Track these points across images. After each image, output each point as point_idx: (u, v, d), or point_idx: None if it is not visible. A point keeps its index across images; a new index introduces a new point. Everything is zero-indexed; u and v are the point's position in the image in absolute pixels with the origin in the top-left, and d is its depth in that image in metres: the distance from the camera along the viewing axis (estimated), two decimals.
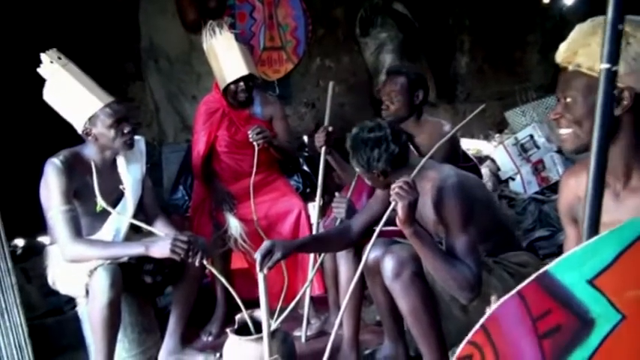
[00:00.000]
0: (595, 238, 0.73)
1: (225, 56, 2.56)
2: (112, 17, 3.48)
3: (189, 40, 3.70)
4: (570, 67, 1.11)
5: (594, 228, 0.84)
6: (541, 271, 0.74)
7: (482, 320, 0.77)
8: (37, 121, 2.77)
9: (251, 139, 2.45)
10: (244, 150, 2.61)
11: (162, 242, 1.92)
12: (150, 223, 2.21)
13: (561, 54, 1.13)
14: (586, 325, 0.72)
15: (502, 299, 0.76)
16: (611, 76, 0.80)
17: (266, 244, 1.79)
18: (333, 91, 2.47)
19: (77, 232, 1.95)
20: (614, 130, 1.06)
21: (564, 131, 1.15)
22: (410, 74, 2.26)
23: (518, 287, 0.75)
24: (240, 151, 2.66)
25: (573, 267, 0.73)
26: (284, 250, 1.79)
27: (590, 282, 0.72)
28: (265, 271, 1.75)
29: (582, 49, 1.08)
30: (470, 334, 0.78)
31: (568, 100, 1.12)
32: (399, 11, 4.01)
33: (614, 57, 0.79)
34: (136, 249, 1.95)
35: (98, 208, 2.06)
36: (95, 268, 1.91)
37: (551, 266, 0.74)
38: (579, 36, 1.10)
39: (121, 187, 2.14)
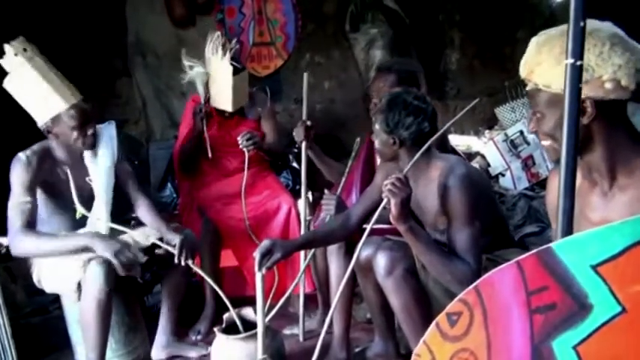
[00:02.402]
0: (606, 225, 0.72)
1: (218, 84, 2.49)
2: (98, 12, 3.42)
3: (178, 36, 3.65)
4: (530, 86, 1.15)
5: (569, 225, 0.83)
6: (544, 246, 0.73)
7: (477, 281, 0.77)
8: (17, 118, 2.72)
9: (241, 146, 2.43)
10: (233, 148, 2.58)
11: (112, 242, 1.87)
12: (134, 209, 2.18)
13: (522, 72, 1.16)
14: (583, 309, 0.71)
15: (500, 266, 0.76)
16: (577, 70, 0.82)
17: (266, 243, 1.76)
18: (307, 83, 2.36)
19: (29, 224, 1.91)
20: (587, 139, 1.09)
21: (544, 143, 1.18)
22: (401, 72, 2.21)
23: (518, 257, 0.74)
24: (230, 150, 2.63)
25: (578, 249, 0.72)
26: (284, 250, 1.76)
27: (594, 268, 0.71)
28: (264, 270, 1.72)
29: (536, 68, 1.10)
30: (462, 293, 0.77)
31: (537, 115, 1.15)
32: (389, 7, 3.98)
33: (578, 52, 0.81)
34: (82, 240, 1.90)
35: (78, 215, 2.03)
36: (89, 261, 1.89)
37: (555, 244, 0.73)
38: (531, 54, 1.13)
39: (87, 179, 2.09)
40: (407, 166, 1.64)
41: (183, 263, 1.98)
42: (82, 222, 2.09)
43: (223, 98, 2.50)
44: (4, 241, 2.70)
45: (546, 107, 1.12)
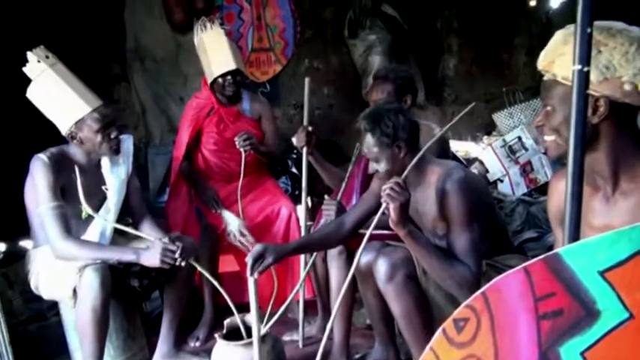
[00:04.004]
0: (613, 231, 0.71)
1: (214, 50, 2.56)
2: (97, 17, 3.42)
3: (176, 41, 3.66)
4: (547, 76, 1.13)
5: (576, 231, 0.83)
6: (551, 252, 0.73)
7: (484, 287, 0.76)
8: (18, 124, 2.71)
9: (238, 146, 2.44)
10: (233, 149, 2.58)
11: (152, 251, 1.90)
12: (137, 225, 2.17)
13: (541, 62, 1.14)
14: (590, 315, 0.71)
15: (507, 272, 0.75)
16: (583, 77, 0.81)
17: (257, 247, 1.75)
18: (309, 88, 2.34)
19: (67, 229, 1.92)
20: (594, 137, 1.07)
21: (547, 138, 1.16)
22: (397, 80, 2.19)
23: (526, 263, 0.74)
24: (228, 149, 2.63)
25: (586, 255, 0.71)
26: (276, 254, 1.75)
27: (602, 274, 0.70)
28: (256, 275, 1.71)
29: (558, 59, 1.09)
30: (469, 299, 0.77)
31: (548, 108, 1.14)
32: (387, 13, 4.00)
33: (585, 58, 0.80)
34: (127, 256, 1.93)
35: (84, 215, 2.01)
36: (84, 267, 1.87)
37: (562, 250, 0.73)
38: (554, 45, 1.11)
39: (103, 187, 2.10)
40: (405, 171, 1.63)
41: (183, 263, 1.96)
42: (86, 221, 2.07)
43: (223, 61, 2.53)
44: (0, 246, 2.69)
45: (559, 101, 1.10)
